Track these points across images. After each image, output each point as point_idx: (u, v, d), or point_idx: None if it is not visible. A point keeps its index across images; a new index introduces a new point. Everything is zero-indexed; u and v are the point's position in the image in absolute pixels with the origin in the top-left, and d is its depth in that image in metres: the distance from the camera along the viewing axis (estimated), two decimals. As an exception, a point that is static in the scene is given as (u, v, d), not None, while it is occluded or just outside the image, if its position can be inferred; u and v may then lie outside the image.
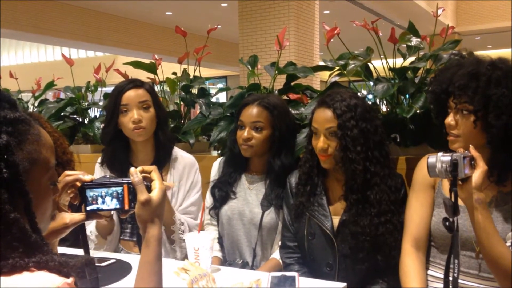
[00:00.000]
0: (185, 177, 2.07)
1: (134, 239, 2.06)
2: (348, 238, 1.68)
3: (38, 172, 0.84)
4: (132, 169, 1.10)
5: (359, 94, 1.82)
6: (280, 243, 1.91)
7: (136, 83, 2.00)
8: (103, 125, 2.76)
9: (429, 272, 1.65)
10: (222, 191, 2.03)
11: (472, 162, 1.36)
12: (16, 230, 0.75)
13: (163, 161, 2.05)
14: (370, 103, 1.76)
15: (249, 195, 2.01)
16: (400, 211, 1.69)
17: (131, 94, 1.96)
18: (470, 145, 1.38)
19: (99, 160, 2.15)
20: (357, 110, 1.65)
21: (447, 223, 1.33)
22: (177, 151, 2.12)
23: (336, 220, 1.74)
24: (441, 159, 1.32)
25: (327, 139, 1.68)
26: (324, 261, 1.75)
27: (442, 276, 1.59)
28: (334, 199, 1.78)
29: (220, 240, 2.00)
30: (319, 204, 1.76)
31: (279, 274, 1.47)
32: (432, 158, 1.34)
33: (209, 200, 2.08)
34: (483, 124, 1.44)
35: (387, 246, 1.66)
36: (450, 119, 1.51)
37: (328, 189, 1.80)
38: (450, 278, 1.35)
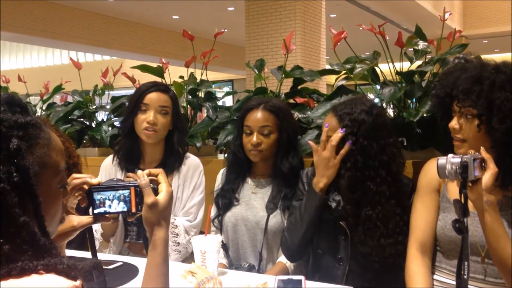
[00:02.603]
0: (189, 179, 2.08)
1: (140, 241, 2.07)
2: (358, 257, 1.69)
3: (48, 176, 0.85)
4: (139, 172, 1.10)
5: (372, 99, 1.81)
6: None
7: (161, 88, 2.04)
8: (111, 129, 2.78)
9: (435, 277, 1.64)
10: (226, 198, 2.02)
11: (483, 164, 1.35)
12: (25, 233, 0.76)
13: (170, 166, 2.06)
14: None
15: (254, 199, 2.00)
16: None
17: (154, 96, 2.00)
18: (481, 147, 1.38)
19: (106, 160, 2.17)
20: (361, 127, 1.64)
21: (457, 225, 1.32)
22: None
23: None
24: (451, 160, 1.32)
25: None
26: (335, 256, 1.75)
27: (447, 281, 1.59)
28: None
29: (224, 246, 2.00)
30: (334, 200, 1.75)
31: (285, 277, 1.47)
32: (442, 160, 1.34)
33: (213, 211, 2.07)
34: (487, 128, 1.44)
35: (396, 267, 1.66)
36: (454, 123, 1.51)
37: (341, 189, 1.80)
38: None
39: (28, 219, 0.76)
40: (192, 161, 2.12)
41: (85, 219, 1.17)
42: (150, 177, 1.11)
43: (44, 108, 3.39)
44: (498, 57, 1.59)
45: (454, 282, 1.55)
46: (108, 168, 2.15)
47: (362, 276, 1.70)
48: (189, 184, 2.08)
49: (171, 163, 2.06)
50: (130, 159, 2.08)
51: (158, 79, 2.80)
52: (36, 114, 3.16)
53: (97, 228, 2.00)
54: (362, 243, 1.67)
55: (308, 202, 1.71)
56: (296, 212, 1.75)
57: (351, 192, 1.67)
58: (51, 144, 0.86)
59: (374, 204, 1.64)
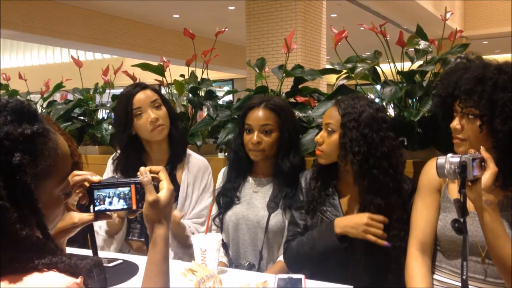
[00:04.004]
0: (199, 179, 2.09)
1: (143, 239, 2.07)
2: (360, 249, 1.68)
3: (51, 185, 0.84)
4: (142, 169, 1.10)
5: (373, 98, 1.81)
6: (284, 240, 1.90)
7: (142, 86, 2.03)
8: (111, 127, 2.77)
9: (435, 276, 1.64)
10: (227, 197, 2.02)
11: (482, 164, 1.35)
12: (28, 244, 0.75)
13: (178, 159, 2.07)
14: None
15: (255, 198, 2.00)
16: None
17: (141, 97, 1.99)
18: (481, 147, 1.38)
19: (112, 157, 2.17)
20: (361, 115, 1.65)
21: (456, 225, 1.32)
22: (190, 152, 2.15)
23: None
24: (450, 160, 1.32)
25: (324, 134, 1.73)
26: (337, 262, 1.74)
27: (448, 280, 1.59)
28: (346, 201, 1.78)
29: (224, 245, 2.00)
30: (332, 205, 1.76)
31: (285, 276, 1.47)
32: (441, 159, 1.34)
33: (214, 210, 2.08)
34: (489, 128, 1.44)
35: (398, 265, 1.65)
36: (455, 123, 1.50)
37: (341, 191, 1.79)
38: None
39: (30, 232, 0.76)
40: (201, 161, 2.14)
41: (86, 216, 1.16)
42: (151, 175, 1.11)
43: (44, 106, 3.39)
44: (498, 58, 1.59)
45: (454, 282, 1.56)
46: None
47: (362, 271, 1.69)
48: (199, 184, 2.09)
49: (178, 155, 2.08)
50: (131, 171, 2.04)
51: (159, 78, 2.81)
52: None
53: (101, 224, 2.00)
54: None
55: (326, 237, 1.68)
56: (310, 235, 1.74)
57: (362, 178, 1.66)
58: (57, 153, 0.84)
59: (381, 194, 1.64)
